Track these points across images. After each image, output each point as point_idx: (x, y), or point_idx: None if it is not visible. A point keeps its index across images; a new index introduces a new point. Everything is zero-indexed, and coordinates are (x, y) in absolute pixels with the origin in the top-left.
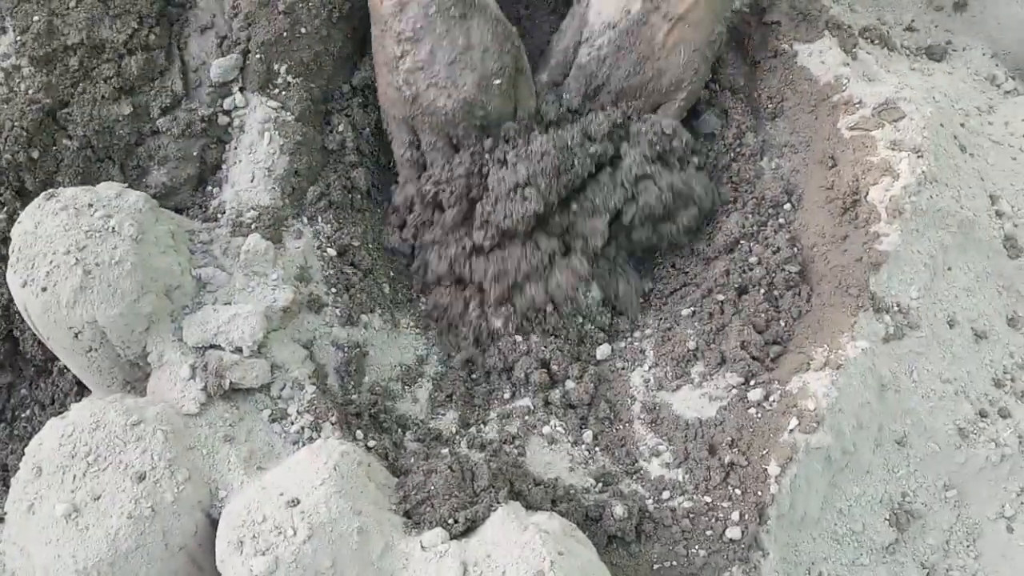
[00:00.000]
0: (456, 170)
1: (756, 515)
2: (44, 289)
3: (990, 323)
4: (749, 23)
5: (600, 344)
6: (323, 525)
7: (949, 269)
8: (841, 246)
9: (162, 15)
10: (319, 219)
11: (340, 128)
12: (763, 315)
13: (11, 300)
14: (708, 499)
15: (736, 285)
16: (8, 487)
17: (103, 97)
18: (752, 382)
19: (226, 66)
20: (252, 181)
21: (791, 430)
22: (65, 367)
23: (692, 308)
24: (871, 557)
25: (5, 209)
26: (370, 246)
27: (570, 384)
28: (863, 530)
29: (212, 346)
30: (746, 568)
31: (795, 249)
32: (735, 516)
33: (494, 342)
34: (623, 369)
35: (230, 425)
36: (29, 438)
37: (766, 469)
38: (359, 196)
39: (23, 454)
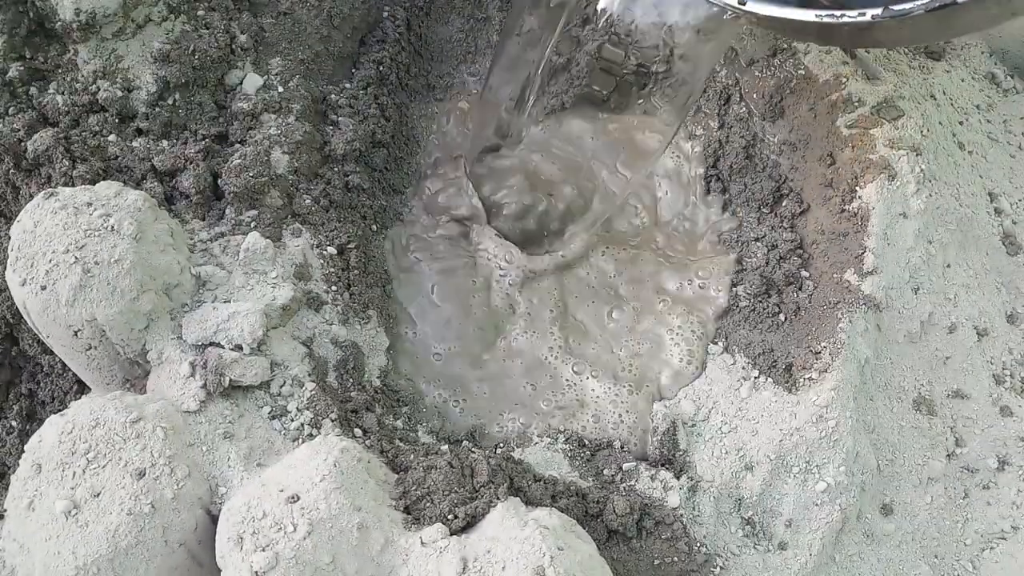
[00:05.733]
0: None
1: None
2: (43, 288)
3: (990, 320)
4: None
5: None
6: (323, 521)
7: (948, 266)
8: (840, 244)
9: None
10: (319, 218)
11: (340, 128)
12: (763, 314)
13: (11, 299)
14: None
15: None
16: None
17: None
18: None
19: (258, 84)
20: None
21: None
22: (65, 365)
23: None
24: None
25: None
26: (370, 245)
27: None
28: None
29: (212, 344)
30: None
31: (794, 248)
32: None
33: None
34: None
35: (230, 422)
36: (29, 436)
37: None
38: (359, 196)
39: (23, 452)
